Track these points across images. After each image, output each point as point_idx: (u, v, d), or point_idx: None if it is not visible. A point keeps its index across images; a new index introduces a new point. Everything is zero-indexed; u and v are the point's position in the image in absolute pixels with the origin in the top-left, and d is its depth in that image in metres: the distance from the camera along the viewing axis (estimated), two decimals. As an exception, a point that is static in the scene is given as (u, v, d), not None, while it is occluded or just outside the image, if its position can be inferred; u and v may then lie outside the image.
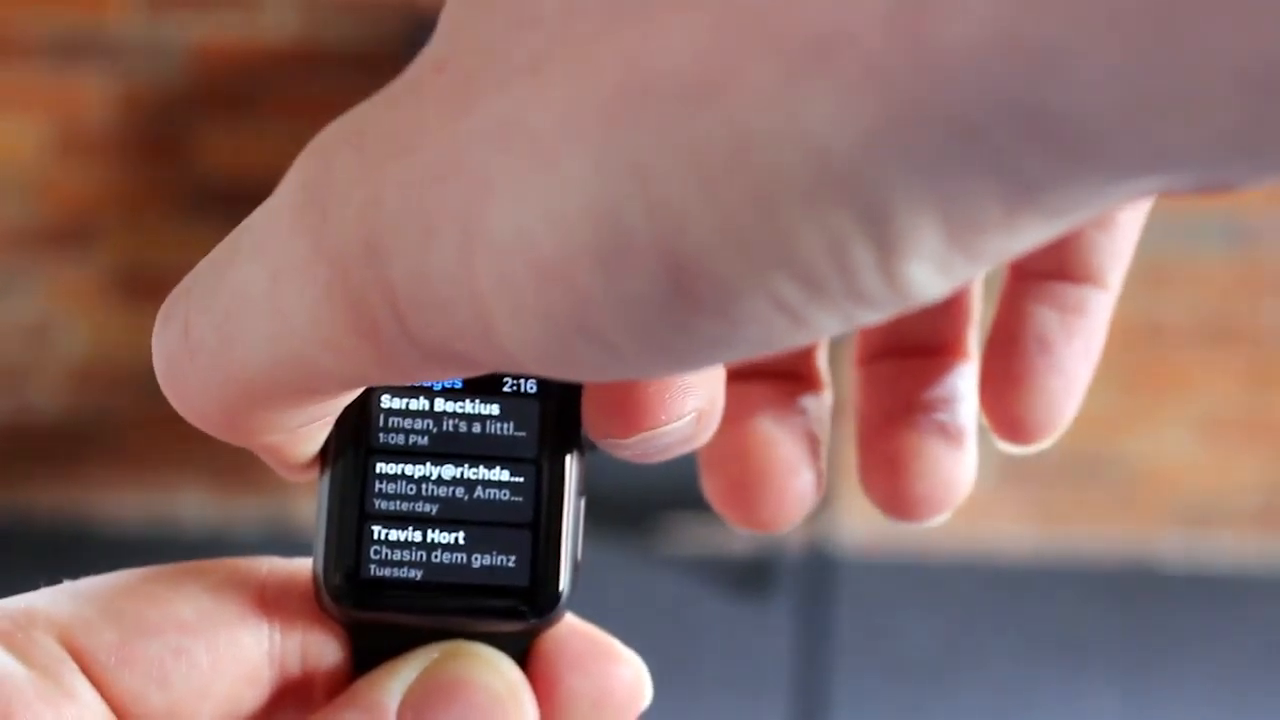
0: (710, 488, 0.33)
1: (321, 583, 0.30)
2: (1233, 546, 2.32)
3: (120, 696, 0.28)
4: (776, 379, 0.33)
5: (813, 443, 0.33)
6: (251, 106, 2.12)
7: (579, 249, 0.19)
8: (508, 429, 0.31)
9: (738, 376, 0.32)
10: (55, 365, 2.23)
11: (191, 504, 2.30)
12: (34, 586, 0.29)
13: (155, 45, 2.11)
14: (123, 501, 2.28)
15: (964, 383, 0.35)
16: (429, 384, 0.31)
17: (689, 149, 0.18)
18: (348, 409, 0.30)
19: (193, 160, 2.14)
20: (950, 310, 0.35)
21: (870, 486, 0.33)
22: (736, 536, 2.26)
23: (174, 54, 2.11)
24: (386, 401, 0.31)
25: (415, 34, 2.02)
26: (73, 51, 2.11)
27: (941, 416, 0.35)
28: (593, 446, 0.31)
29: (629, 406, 0.28)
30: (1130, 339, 2.23)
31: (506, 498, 0.31)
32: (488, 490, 0.31)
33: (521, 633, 0.30)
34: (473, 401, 0.31)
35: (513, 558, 0.30)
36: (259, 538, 2.24)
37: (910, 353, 0.35)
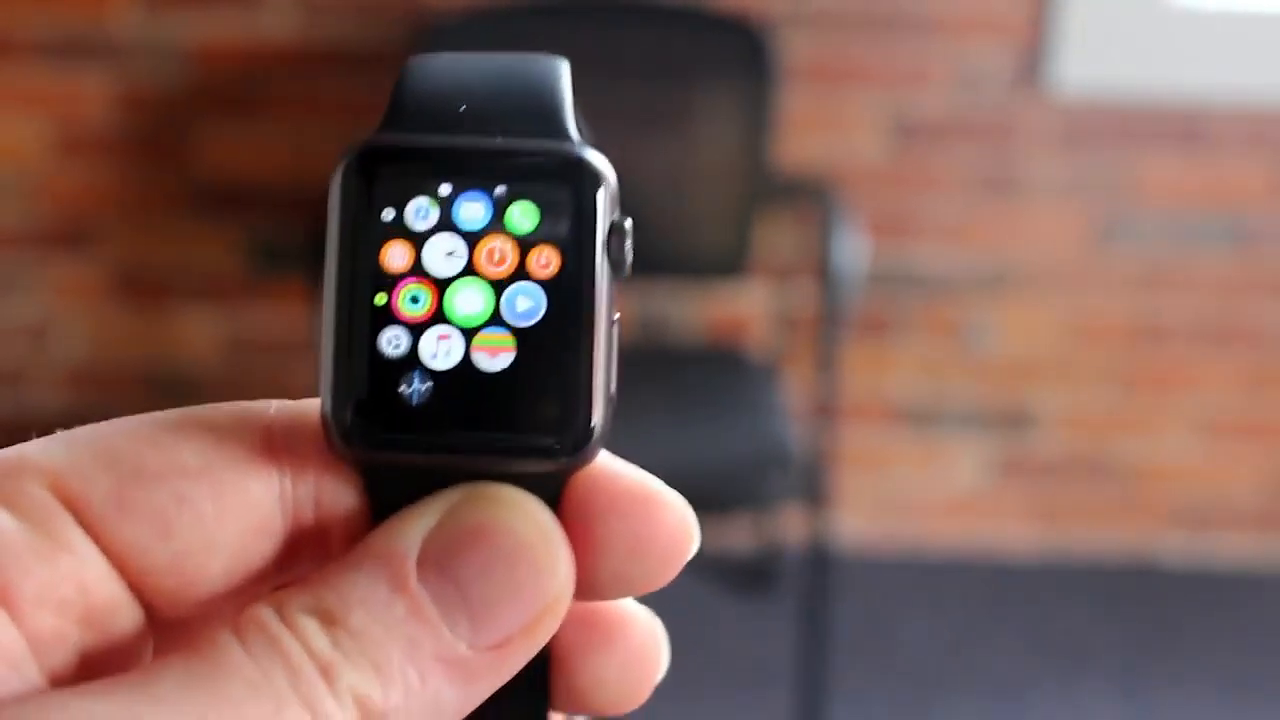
0: None
1: (331, 423, 0.27)
2: (1233, 546, 2.32)
3: (120, 548, 0.26)
4: None
5: None
6: (251, 106, 2.12)
7: None
8: (530, 244, 0.27)
9: None
10: (55, 365, 2.23)
11: (191, 504, 2.29)
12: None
13: (155, 45, 2.11)
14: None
15: None
16: (440, 192, 0.27)
17: None
18: (345, 222, 0.27)
19: (193, 160, 2.14)
20: None
21: None
22: (737, 536, 2.26)
23: (174, 54, 2.11)
24: (389, 215, 0.27)
25: (415, 34, 2.01)
26: (73, 51, 2.11)
27: None
28: (624, 265, 0.28)
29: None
30: (1130, 339, 2.23)
31: (530, 323, 0.27)
32: (509, 314, 0.27)
33: (552, 473, 0.27)
34: (492, 213, 0.27)
35: (539, 389, 0.27)
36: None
37: None
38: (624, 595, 0.29)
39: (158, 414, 0.27)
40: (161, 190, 2.15)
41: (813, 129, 2.14)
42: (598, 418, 0.27)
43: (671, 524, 0.28)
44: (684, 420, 1.85)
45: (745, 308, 2.22)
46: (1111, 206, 2.19)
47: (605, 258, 0.27)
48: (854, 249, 1.91)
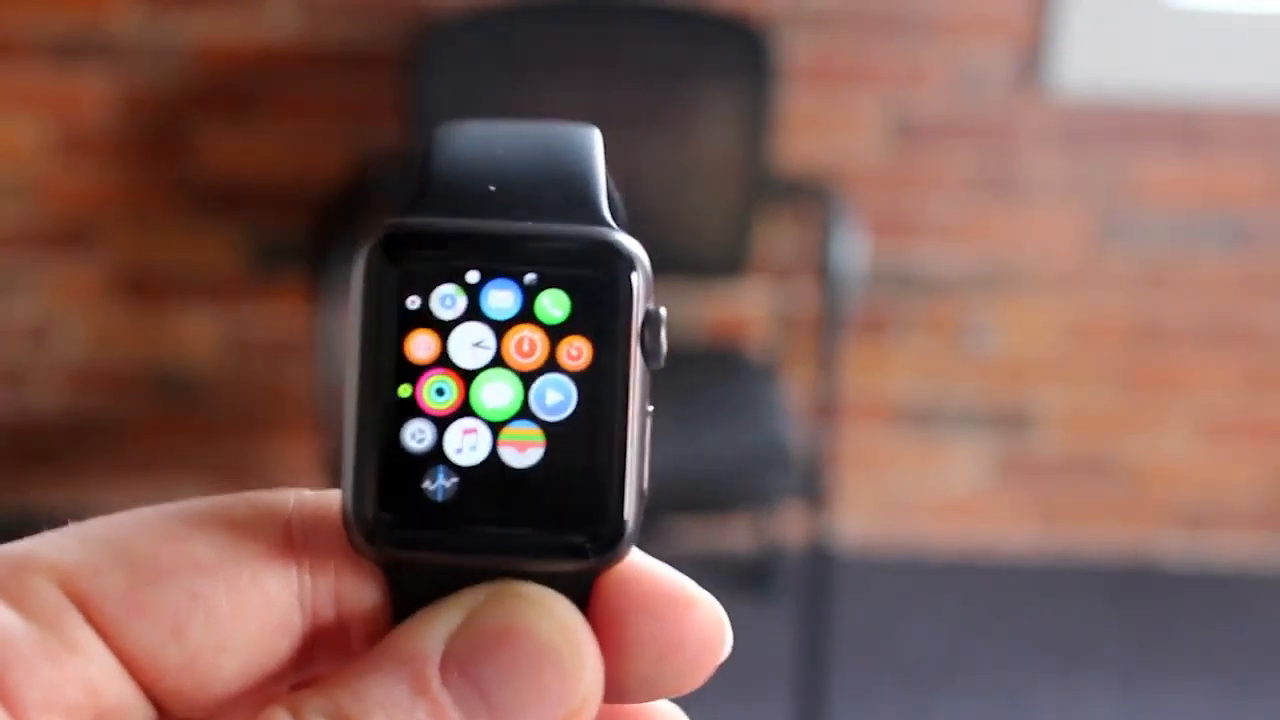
0: None
1: (352, 520, 0.26)
2: (1233, 546, 2.32)
3: (131, 648, 0.25)
4: None
5: None
6: (251, 106, 2.12)
7: None
8: (561, 334, 0.26)
9: None
10: (55, 365, 2.23)
11: (191, 504, 2.29)
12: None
13: (155, 45, 2.11)
14: (123, 502, 2.27)
15: None
16: (467, 279, 0.26)
17: None
18: (368, 309, 0.26)
19: (193, 160, 2.14)
20: None
21: None
22: (737, 536, 2.26)
23: (174, 54, 2.11)
24: (414, 303, 0.26)
25: (415, 34, 2.01)
26: (73, 51, 2.11)
27: None
28: (659, 356, 0.27)
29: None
30: (1130, 339, 2.23)
31: (560, 417, 0.26)
32: (538, 408, 0.26)
33: (581, 572, 0.26)
34: (522, 302, 0.26)
35: (569, 486, 0.26)
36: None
37: None
38: (653, 698, 0.28)
39: (174, 506, 0.27)
40: (161, 190, 2.15)
41: (813, 129, 2.14)
42: (629, 516, 0.26)
43: (703, 626, 0.27)
44: (684, 420, 1.85)
45: (745, 308, 2.22)
46: (1111, 206, 2.19)
47: (639, 349, 0.27)
48: (854, 249, 1.91)
